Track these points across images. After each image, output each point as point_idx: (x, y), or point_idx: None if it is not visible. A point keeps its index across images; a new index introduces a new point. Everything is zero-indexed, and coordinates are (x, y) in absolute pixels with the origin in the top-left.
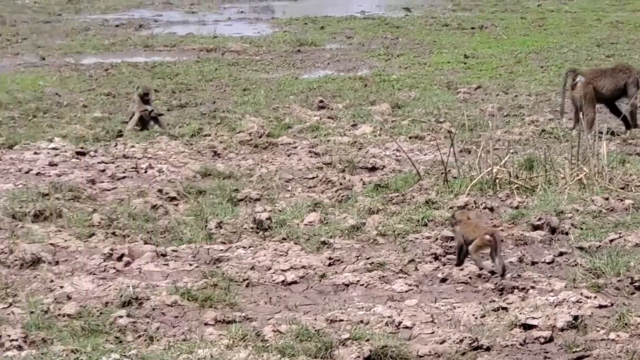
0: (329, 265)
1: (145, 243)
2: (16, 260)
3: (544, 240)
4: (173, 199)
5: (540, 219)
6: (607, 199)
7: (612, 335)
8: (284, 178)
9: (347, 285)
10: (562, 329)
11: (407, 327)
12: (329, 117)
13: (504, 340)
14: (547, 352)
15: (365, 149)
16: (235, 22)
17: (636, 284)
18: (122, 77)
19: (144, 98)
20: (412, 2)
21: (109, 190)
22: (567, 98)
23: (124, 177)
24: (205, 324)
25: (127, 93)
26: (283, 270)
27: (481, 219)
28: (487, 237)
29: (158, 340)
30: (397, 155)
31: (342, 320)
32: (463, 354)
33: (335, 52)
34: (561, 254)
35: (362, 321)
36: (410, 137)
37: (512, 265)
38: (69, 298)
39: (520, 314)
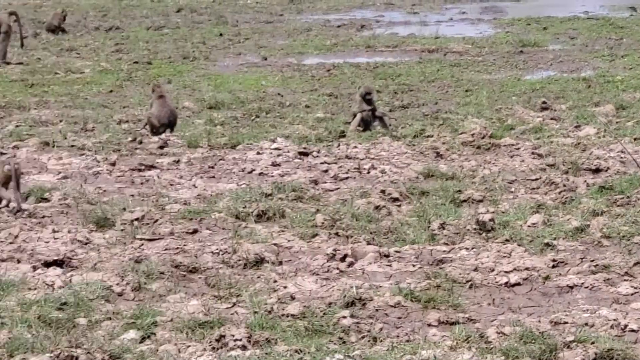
0: (553, 267)
1: (368, 244)
2: (240, 260)
3: None
4: (396, 199)
5: None
6: None
7: None
8: (507, 179)
9: (572, 287)
10: None
11: (633, 331)
12: (552, 119)
13: None
14: None
15: (589, 151)
16: (457, 23)
17: None
18: (344, 77)
19: (366, 98)
20: (638, 1)
21: (331, 190)
22: None
23: (346, 178)
24: (429, 325)
25: (350, 93)
26: (506, 272)
27: None
28: None
29: (381, 340)
30: (621, 157)
31: (566, 322)
32: None
33: (558, 53)
34: None
35: (586, 324)
36: (635, 139)
37: None
38: (292, 298)
39: None
